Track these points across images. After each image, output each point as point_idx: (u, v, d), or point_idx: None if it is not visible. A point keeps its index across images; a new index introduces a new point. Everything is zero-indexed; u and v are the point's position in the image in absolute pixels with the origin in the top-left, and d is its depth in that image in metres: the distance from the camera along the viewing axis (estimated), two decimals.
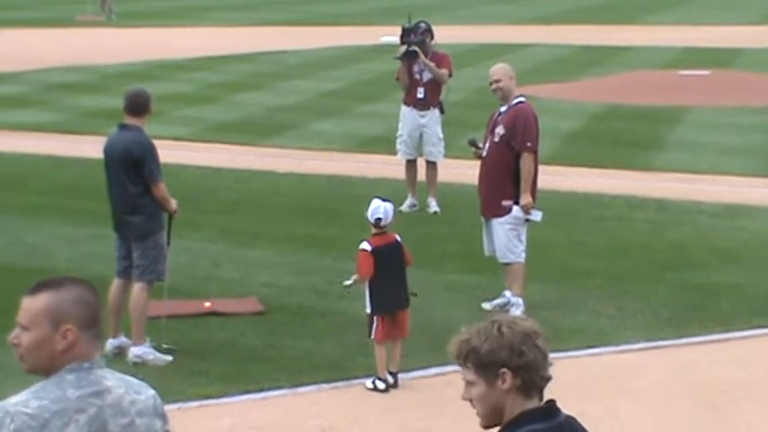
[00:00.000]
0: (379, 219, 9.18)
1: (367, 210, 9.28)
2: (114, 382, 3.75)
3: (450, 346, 3.65)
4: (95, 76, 28.59)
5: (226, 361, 9.64)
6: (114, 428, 3.69)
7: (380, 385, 9.04)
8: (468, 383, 3.62)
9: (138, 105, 9.65)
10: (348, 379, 9.18)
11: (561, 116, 21.39)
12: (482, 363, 3.58)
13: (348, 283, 9.19)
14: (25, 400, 3.64)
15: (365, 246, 9.14)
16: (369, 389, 9.05)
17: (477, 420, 3.66)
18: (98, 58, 31.86)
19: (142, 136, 9.60)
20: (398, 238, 9.29)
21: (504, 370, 3.57)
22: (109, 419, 3.68)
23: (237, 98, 25.11)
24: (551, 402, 3.66)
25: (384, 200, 9.29)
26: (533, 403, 3.62)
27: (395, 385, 9.12)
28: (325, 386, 9.15)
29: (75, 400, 3.65)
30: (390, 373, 9.12)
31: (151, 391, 3.85)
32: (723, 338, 10.19)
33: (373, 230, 9.23)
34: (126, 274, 9.76)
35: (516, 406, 3.60)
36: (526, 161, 10.64)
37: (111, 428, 3.68)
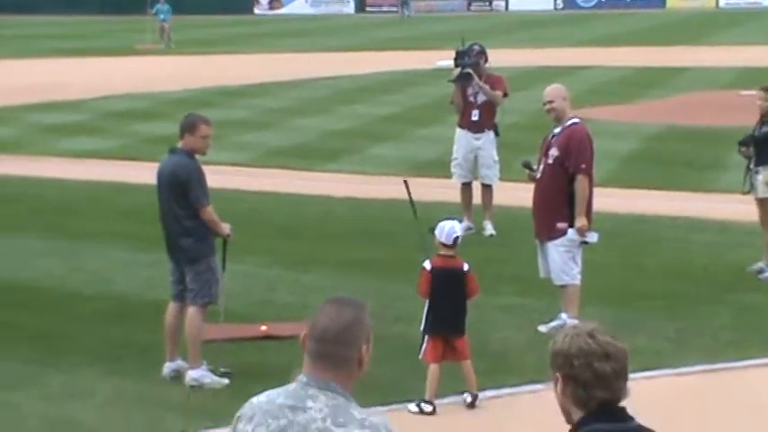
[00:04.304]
0: (458, 237, 9.12)
1: (434, 230, 9.18)
2: (319, 405, 3.79)
3: None
4: (154, 102, 28.90)
5: (282, 384, 9.61)
6: None
7: (427, 408, 8.96)
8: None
9: (181, 127, 9.76)
10: (402, 402, 9.13)
11: (619, 138, 21.24)
12: (550, 362, 3.70)
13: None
14: (261, 394, 3.94)
15: (426, 264, 9.12)
16: (413, 412, 8.95)
17: None
18: (157, 86, 32.21)
19: (187, 159, 9.62)
20: (466, 267, 9.14)
21: (557, 375, 3.65)
22: None
23: (294, 123, 25.24)
24: (620, 408, 3.63)
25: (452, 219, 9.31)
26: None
27: (472, 405, 9.02)
28: (379, 409, 9.10)
29: (277, 406, 3.83)
30: (470, 394, 9.03)
31: None
32: None
33: (441, 251, 9.13)
34: (180, 297, 9.79)
35: (575, 412, 3.63)
36: (581, 183, 10.56)
37: None
